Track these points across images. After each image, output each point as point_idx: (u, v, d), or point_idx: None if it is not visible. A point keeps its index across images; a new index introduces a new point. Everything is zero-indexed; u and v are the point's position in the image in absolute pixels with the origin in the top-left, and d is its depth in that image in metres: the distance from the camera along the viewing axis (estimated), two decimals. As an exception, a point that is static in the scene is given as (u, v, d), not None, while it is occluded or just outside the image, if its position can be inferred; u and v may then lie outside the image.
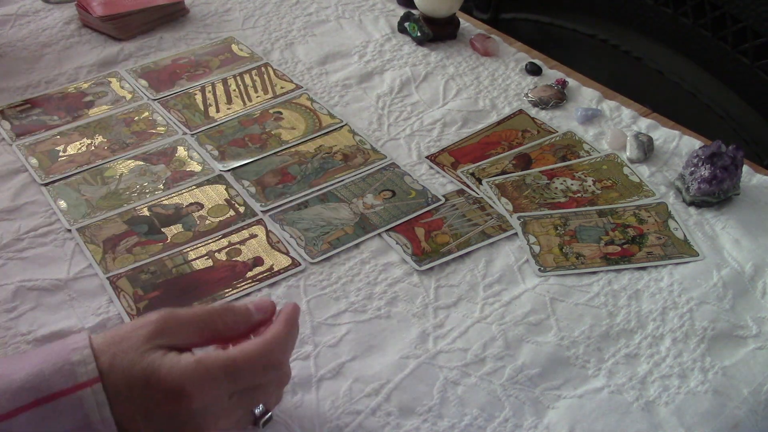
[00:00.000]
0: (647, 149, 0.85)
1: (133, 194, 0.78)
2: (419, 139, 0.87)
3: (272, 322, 0.53)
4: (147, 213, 0.76)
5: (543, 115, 0.91)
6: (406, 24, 1.05)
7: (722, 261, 0.73)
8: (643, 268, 0.72)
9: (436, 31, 1.03)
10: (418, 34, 1.03)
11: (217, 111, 0.91)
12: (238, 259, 0.72)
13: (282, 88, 0.95)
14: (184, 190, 0.79)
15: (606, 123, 0.90)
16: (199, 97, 0.93)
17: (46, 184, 0.79)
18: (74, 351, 0.47)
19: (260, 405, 0.54)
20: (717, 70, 1.16)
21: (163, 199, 0.78)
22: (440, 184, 0.81)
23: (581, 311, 0.68)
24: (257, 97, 0.93)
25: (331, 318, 0.67)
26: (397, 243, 0.73)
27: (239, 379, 0.49)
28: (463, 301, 0.68)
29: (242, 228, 0.75)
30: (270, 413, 0.56)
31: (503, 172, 0.82)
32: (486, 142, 0.87)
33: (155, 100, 0.93)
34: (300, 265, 0.71)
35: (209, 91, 0.94)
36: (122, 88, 0.94)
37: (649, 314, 0.67)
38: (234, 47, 1.02)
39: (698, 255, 0.73)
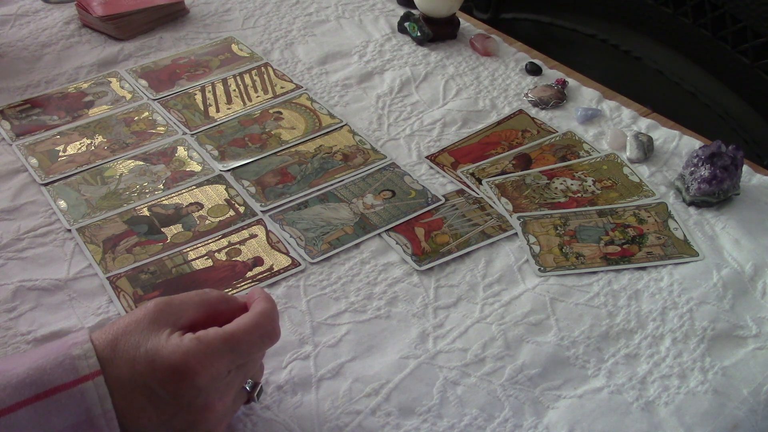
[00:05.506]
0: (647, 149, 0.85)
1: (133, 194, 0.78)
2: (419, 139, 0.87)
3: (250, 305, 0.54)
4: (147, 213, 0.76)
5: (543, 115, 0.91)
6: (406, 24, 1.05)
7: (722, 261, 0.73)
8: (643, 268, 0.72)
9: (436, 31, 1.03)
10: (418, 34, 1.03)
11: (217, 111, 0.91)
12: (238, 259, 0.72)
13: (282, 88, 0.95)
14: (184, 190, 0.79)
15: (606, 123, 0.90)
16: (199, 97, 0.93)
17: (46, 184, 0.79)
18: (74, 345, 0.47)
19: (249, 380, 0.55)
20: (717, 70, 1.16)
21: (163, 199, 0.78)
22: (440, 184, 0.81)
23: (581, 311, 0.68)
24: (257, 97, 0.93)
25: (331, 318, 0.67)
26: (397, 243, 0.73)
27: (240, 351, 0.50)
28: (463, 301, 0.68)
29: (242, 228, 0.75)
30: (261, 385, 0.56)
31: (503, 172, 0.82)
32: (486, 142, 0.87)
33: (155, 100, 0.93)
34: (300, 265, 0.71)
35: (209, 91, 0.94)
36: (122, 88, 0.94)
37: (649, 314, 0.67)
38: (234, 47, 1.02)
39: (698, 255, 0.73)
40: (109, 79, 0.96)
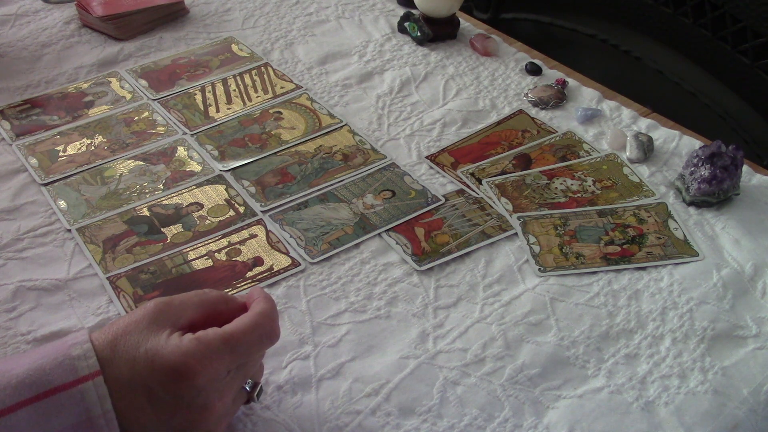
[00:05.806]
0: (647, 149, 0.85)
1: (133, 194, 0.78)
2: (419, 139, 0.87)
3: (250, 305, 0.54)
4: (147, 213, 0.76)
5: (543, 115, 0.91)
6: (406, 24, 1.05)
7: (722, 261, 0.73)
8: (643, 268, 0.72)
9: (436, 31, 1.03)
10: (418, 34, 1.03)
11: (217, 111, 0.91)
12: (238, 259, 0.72)
13: (282, 88, 0.95)
14: (184, 190, 0.79)
15: (606, 123, 0.90)
16: (199, 97, 0.93)
17: (46, 184, 0.79)
18: (74, 346, 0.47)
19: (248, 380, 0.55)
20: (717, 70, 1.16)
21: (163, 199, 0.78)
22: (440, 184, 0.81)
23: (581, 311, 0.68)
24: (257, 97, 0.93)
25: (331, 318, 0.67)
26: (397, 243, 0.73)
27: (239, 351, 0.50)
28: (462, 301, 0.68)
29: (242, 228, 0.75)
30: (260, 385, 0.56)
31: (503, 172, 0.82)
32: (486, 142, 0.87)
33: (155, 100, 0.93)
34: (300, 265, 0.71)
35: (209, 91, 0.94)
36: (122, 88, 0.94)
37: (649, 314, 0.67)
38: (234, 47, 1.02)
39: (698, 255, 0.73)
40: (109, 79, 0.96)
